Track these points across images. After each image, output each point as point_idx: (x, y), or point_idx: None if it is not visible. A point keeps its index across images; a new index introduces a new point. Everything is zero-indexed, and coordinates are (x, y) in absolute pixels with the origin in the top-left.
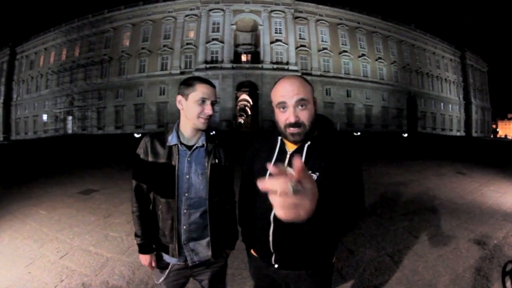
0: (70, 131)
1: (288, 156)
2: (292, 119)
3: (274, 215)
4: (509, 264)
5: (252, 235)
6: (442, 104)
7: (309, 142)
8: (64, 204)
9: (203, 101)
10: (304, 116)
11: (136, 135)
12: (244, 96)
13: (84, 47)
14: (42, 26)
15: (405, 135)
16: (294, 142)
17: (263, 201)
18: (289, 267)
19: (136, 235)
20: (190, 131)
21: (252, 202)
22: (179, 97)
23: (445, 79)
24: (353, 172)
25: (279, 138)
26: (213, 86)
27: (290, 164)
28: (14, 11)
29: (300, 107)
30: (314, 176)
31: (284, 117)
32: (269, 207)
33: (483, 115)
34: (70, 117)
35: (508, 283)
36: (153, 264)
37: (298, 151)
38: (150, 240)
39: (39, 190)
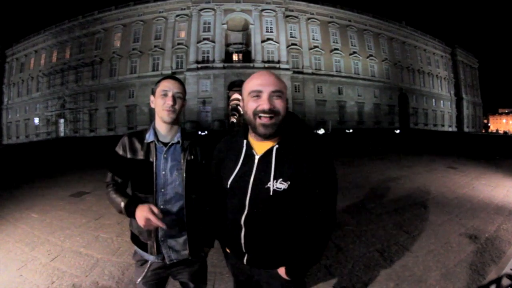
0: (62, 134)
1: (256, 161)
2: (266, 106)
3: (245, 220)
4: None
5: (224, 235)
6: (433, 100)
7: (277, 145)
8: (56, 207)
9: (164, 94)
10: (279, 105)
11: None
12: (236, 95)
13: (75, 49)
14: (32, 28)
15: (397, 131)
16: (264, 136)
17: (232, 205)
18: (262, 266)
19: (121, 208)
20: (164, 127)
21: (221, 204)
22: (151, 97)
23: (436, 75)
24: (325, 179)
25: (245, 141)
26: (175, 79)
27: (258, 169)
28: (2, 13)
29: (275, 97)
30: (285, 185)
31: (255, 104)
32: (240, 212)
33: (474, 111)
34: (62, 120)
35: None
36: (156, 211)
37: (267, 155)
38: (133, 199)
39: (30, 193)
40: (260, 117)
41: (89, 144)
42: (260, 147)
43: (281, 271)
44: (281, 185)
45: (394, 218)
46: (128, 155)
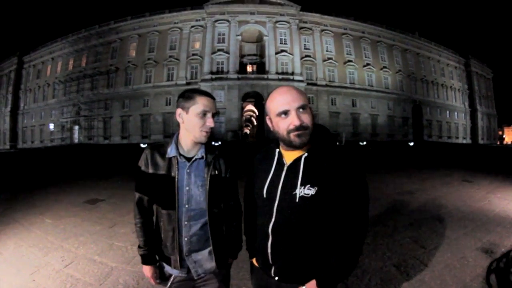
0: (76, 141)
1: (285, 169)
2: (297, 122)
3: (272, 228)
4: (494, 263)
5: (254, 245)
6: (447, 112)
7: (306, 154)
8: (70, 213)
9: (204, 114)
10: (307, 119)
11: (143, 146)
12: (250, 106)
13: (91, 57)
14: (49, 35)
15: (411, 143)
16: (299, 146)
17: (262, 213)
18: (289, 280)
19: (139, 246)
20: (190, 143)
21: (254, 213)
22: (179, 110)
23: (450, 86)
24: (355, 186)
25: (277, 150)
26: (213, 98)
27: (287, 177)
28: (22, 20)
29: (302, 111)
30: (313, 191)
31: (286, 123)
32: (268, 220)
33: (489, 122)
34: (76, 127)
35: (492, 280)
36: (156, 276)
37: (295, 163)
38: (152, 251)
39: (45, 198)
40: (293, 133)
41: (103, 152)
42: (290, 156)
43: (311, 285)
44: (309, 191)
45: (409, 232)
46: (150, 170)
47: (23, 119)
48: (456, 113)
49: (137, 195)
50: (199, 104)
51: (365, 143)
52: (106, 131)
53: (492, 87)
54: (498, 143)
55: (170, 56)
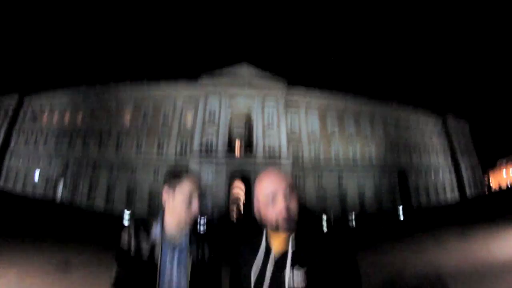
0: (59, 195)
1: (272, 256)
2: (284, 212)
3: None
4: None
5: None
6: (432, 172)
7: (293, 234)
8: (39, 272)
9: (190, 197)
10: (293, 204)
11: (125, 222)
12: (238, 184)
13: (87, 115)
14: (53, 80)
15: (400, 211)
16: (287, 230)
17: None
18: None
19: None
20: (175, 228)
21: None
22: (166, 187)
23: (432, 146)
24: (345, 265)
25: (264, 231)
26: (199, 179)
27: (276, 265)
28: (27, 61)
29: (288, 194)
30: (302, 271)
31: (274, 210)
32: None
33: (473, 172)
34: (61, 181)
35: None
36: None
37: (283, 250)
38: None
39: (17, 252)
40: (280, 219)
41: (85, 216)
42: (277, 238)
43: None
44: (298, 279)
45: None
46: (132, 253)
47: (10, 157)
48: (440, 172)
49: (115, 276)
50: (186, 184)
51: (353, 217)
52: (90, 192)
53: (470, 138)
54: (487, 192)
55: (163, 127)
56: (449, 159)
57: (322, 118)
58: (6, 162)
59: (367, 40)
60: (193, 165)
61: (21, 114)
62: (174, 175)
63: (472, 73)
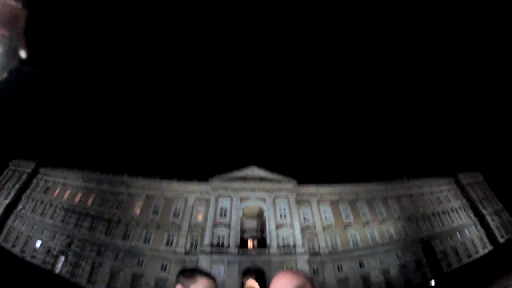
0: (57, 271)
1: None
2: None
3: None
4: None
5: None
6: (458, 233)
7: None
8: None
9: None
10: None
11: None
12: (251, 281)
13: (98, 200)
14: (70, 160)
15: (432, 283)
16: None
17: None
18: None
19: None
20: None
21: None
22: (179, 287)
23: (451, 208)
24: None
25: None
26: (214, 279)
27: None
28: (52, 134)
29: None
30: None
31: None
32: None
33: (500, 217)
34: (62, 257)
35: None
36: None
37: None
38: None
39: None
40: None
41: None
42: None
43: None
44: None
45: None
46: None
47: (14, 220)
48: (466, 230)
49: None
50: (200, 285)
51: None
52: (91, 276)
53: (487, 187)
54: None
55: (173, 223)
56: (471, 213)
57: (335, 209)
58: (9, 222)
59: (367, 133)
60: (204, 261)
61: (34, 181)
62: (188, 276)
63: (471, 129)
